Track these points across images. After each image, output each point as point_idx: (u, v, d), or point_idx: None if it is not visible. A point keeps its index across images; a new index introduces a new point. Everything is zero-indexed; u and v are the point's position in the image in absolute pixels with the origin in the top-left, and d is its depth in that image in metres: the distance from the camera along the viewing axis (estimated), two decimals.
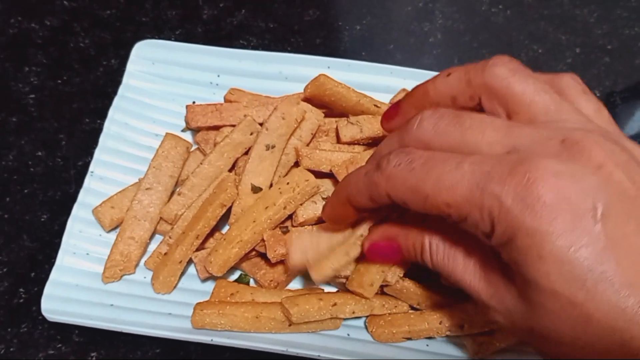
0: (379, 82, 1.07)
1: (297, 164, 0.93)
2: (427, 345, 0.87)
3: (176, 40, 1.16)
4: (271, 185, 0.91)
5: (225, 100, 1.04)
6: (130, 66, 1.08)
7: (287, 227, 0.88)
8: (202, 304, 0.84)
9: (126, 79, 1.07)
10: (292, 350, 0.82)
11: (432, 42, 1.26)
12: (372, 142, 0.95)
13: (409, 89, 1.04)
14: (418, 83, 1.04)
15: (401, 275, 0.85)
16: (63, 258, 0.90)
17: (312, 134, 0.96)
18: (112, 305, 0.87)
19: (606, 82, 1.23)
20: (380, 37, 1.27)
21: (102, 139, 1.00)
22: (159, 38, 1.13)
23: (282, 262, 0.88)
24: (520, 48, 1.26)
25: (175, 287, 0.90)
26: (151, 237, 0.93)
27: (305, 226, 0.89)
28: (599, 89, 1.21)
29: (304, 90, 0.98)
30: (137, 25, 1.25)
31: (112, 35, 1.24)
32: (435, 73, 1.05)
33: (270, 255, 0.85)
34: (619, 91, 1.22)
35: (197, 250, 0.89)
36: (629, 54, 1.27)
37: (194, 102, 1.03)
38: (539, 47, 1.27)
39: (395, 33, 1.27)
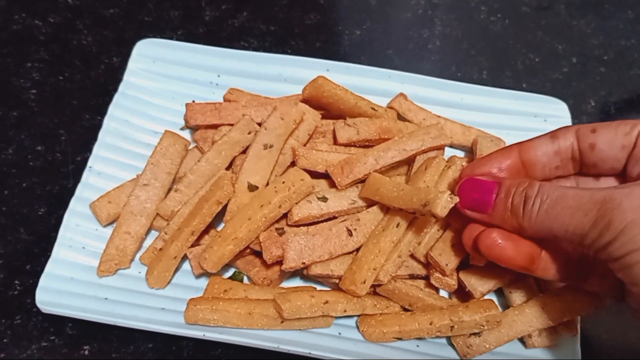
0: (377, 85, 1.09)
1: (293, 164, 0.94)
2: (418, 345, 0.88)
3: (177, 40, 1.18)
4: (267, 184, 0.92)
5: (225, 100, 1.05)
6: (132, 64, 1.09)
7: (282, 228, 0.89)
8: (196, 300, 0.85)
9: (127, 77, 1.08)
10: (284, 347, 0.83)
11: (431, 48, 1.28)
12: (368, 144, 0.97)
13: (407, 93, 1.06)
14: (415, 87, 1.07)
15: (393, 274, 0.86)
16: (59, 251, 0.91)
17: (309, 134, 0.97)
18: (106, 298, 0.88)
19: (601, 92, 1.24)
20: (379, 42, 1.28)
21: (102, 135, 1.01)
22: (161, 37, 1.14)
23: (277, 262, 0.89)
24: (517, 56, 1.28)
25: (169, 282, 0.91)
26: (147, 233, 0.94)
27: (300, 226, 0.89)
28: (594, 98, 1.23)
29: (302, 91, 0.99)
30: (139, 24, 1.26)
31: (114, 33, 1.25)
32: (433, 79, 1.08)
33: (266, 257, 0.86)
34: (613, 101, 1.23)
35: (192, 246, 0.90)
36: (624, 64, 1.28)
37: (193, 101, 1.04)
38: (535, 56, 1.28)
39: (394, 38, 1.29)
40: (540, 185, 0.71)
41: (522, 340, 0.90)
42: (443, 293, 0.93)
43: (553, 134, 0.79)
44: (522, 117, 1.09)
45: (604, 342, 0.97)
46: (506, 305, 0.92)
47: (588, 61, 1.28)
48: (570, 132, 0.78)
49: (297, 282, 0.94)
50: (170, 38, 1.23)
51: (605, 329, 0.98)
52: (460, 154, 1.08)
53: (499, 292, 0.93)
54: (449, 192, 0.78)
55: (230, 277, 0.93)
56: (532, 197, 0.70)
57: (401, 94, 1.07)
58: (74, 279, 0.90)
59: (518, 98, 1.09)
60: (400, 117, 1.05)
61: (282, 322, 0.85)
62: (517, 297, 0.90)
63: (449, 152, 1.05)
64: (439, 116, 1.06)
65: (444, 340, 0.90)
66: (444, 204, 0.76)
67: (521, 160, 0.80)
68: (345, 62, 1.09)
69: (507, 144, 1.03)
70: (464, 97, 1.09)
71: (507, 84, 1.23)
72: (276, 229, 0.88)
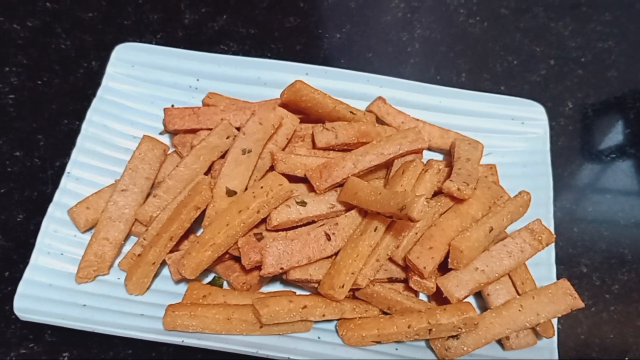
0: (356, 89, 1.09)
1: (272, 168, 0.94)
2: (396, 349, 0.89)
3: (157, 43, 1.17)
4: (246, 189, 0.92)
5: (204, 104, 1.05)
6: (110, 68, 1.08)
7: (261, 233, 0.89)
8: (174, 306, 0.85)
9: (105, 81, 1.07)
10: (263, 352, 0.83)
11: (410, 51, 1.28)
12: (346, 148, 0.97)
13: (386, 96, 1.07)
14: (394, 91, 1.08)
15: (371, 278, 0.86)
16: (37, 258, 0.91)
17: (287, 138, 0.97)
18: (85, 305, 0.88)
19: (578, 94, 1.25)
20: (359, 45, 1.28)
21: (80, 140, 1.01)
22: (140, 41, 1.14)
23: (256, 267, 0.89)
24: (496, 59, 1.28)
25: (148, 288, 0.91)
26: (126, 239, 0.94)
27: (279, 231, 0.90)
28: (571, 100, 1.24)
29: (281, 95, 0.99)
30: (118, 28, 1.26)
31: (93, 37, 1.24)
32: (411, 82, 1.08)
33: (245, 262, 0.86)
34: (591, 103, 1.24)
35: (171, 252, 0.90)
36: (601, 66, 1.29)
37: (172, 106, 1.04)
38: (513, 58, 1.29)
39: (374, 42, 1.29)
40: None
41: (500, 342, 0.91)
42: (422, 296, 0.94)
43: None
44: (500, 120, 1.10)
45: (581, 342, 0.98)
46: (484, 307, 0.92)
47: (566, 63, 1.29)
48: None
49: (277, 287, 0.94)
50: (150, 42, 1.23)
51: (582, 330, 0.99)
52: (439, 157, 1.08)
53: (477, 295, 0.94)
54: (426, 196, 0.78)
55: (210, 283, 0.93)
56: None
57: (380, 98, 1.07)
58: (53, 285, 0.89)
59: (496, 101, 1.10)
60: (379, 121, 1.06)
61: (260, 327, 0.85)
62: (494, 299, 0.90)
63: (427, 155, 1.06)
64: (417, 119, 1.07)
65: (422, 343, 0.90)
66: (420, 207, 0.77)
67: None
68: (325, 65, 1.09)
69: (485, 147, 1.04)
70: (442, 100, 1.09)
71: (485, 86, 1.24)
72: (255, 234, 0.88)
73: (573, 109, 1.23)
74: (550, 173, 1.04)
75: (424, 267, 0.85)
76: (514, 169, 1.06)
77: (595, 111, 1.23)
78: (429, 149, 1.07)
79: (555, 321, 0.91)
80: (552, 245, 0.95)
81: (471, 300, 0.94)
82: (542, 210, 1.00)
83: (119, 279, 0.92)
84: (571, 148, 1.18)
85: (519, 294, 0.91)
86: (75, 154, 1.00)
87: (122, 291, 0.90)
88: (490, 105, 1.10)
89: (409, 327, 0.85)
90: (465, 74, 1.26)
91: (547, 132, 1.08)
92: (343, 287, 0.83)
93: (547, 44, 1.31)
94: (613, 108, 1.25)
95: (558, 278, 0.94)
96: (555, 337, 0.90)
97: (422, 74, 1.24)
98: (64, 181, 0.97)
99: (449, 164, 0.99)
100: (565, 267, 1.04)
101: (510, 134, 1.09)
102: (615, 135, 1.21)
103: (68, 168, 0.98)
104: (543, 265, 0.96)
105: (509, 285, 0.92)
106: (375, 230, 0.85)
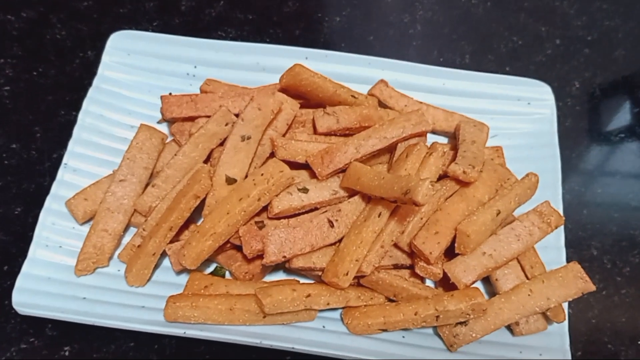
0: (357, 73, 1.07)
1: (272, 155, 0.92)
2: (403, 337, 0.87)
3: (154, 31, 1.15)
4: (246, 177, 0.90)
5: (201, 91, 1.03)
6: (106, 57, 1.06)
7: (262, 221, 0.87)
8: (175, 297, 0.83)
9: (101, 70, 1.05)
10: (266, 343, 0.82)
11: (412, 33, 1.26)
12: (348, 133, 0.95)
13: (388, 80, 1.05)
14: (397, 74, 1.06)
15: (376, 265, 0.84)
16: (35, 251, 0.89)
17: (287, 124, 0.95)
18: (84, 298, 0.87)
19: (586, 73, 1.22)
20: (359, 28, 1.26)
21: (76, 131, 0.99)
22: (137, 29, 1.12)
23: (258, 256, 0.87)
24: (500, 40, 1.26)
25: (149, 280, 0.89)
26: (125, 230, 0.92)
27: (281, 219, 0.88)
28: (578, 80, 1.21)
29: (280, 80, 0.97)
30: (114, 16, 1.24)
31: (89, 27, 1.22)
32: (414, 64, 1.06)
33: (246, 251, 0.85)
34: (598, 83, 1.21)
35: (172, 242, 0.88)
36: (608, 45, 1.26)
37: (170, 94, 1.02)
38: (518, 38, 1.26)
39: (374, 24, 1.26)
40: None
41: (509, 328, 0.89)
42: (429, 282, 0.92)
43: None
44: (505, 101, 1.07)
45: (592, 326, 0.96)
46: (492, 292, 0.90)
47: (572, 43, 1.26)
48: None
49: (280, 276, 0.93)
50: (146, 29, 1.21)
51: (593, 314, 0.97)
52: (443, 140, 1.06)
53: (485, 280, 0.92)
54: (430, 180, 0.76)
55: (211, 273, 0.91)
56: None
57: (382, 81, 1.05)
58: (52, 278, 0.88)
59: (501, 82, 1.08)
60: (382, 105, 1.04)
61: (264, 317, 0.83)
62: (503, 284, 0.88)
63: (432, 138, 1.04)
64: (421, 102, 1.05)
65: (430, 331, 0.89)
66: (425, 191, 0.75)
67: None
68: (325, 49, 1.07)
69: (490, 129, 1.02)
70: (446, 82, 1.07)
71: (490, 68, 1.21)
72: (256, 222, 0.86)
73: (580, 89, 1.20)
74: (558, 155, 1.02)
75: (430, 253, 0.84)
76: (520, 151, 1.04)
77: (602, 91, 1.21)
78: (433, 132, 1.05)
79: (565, 305, 0.89)
80: (561, 228, 0.94)
81: (479, 285, 0.92)
82: (550, 193, 0.98)
83: (118, 270, 0.91)
84: (578, 129, 1.16)
85: (528, 278, 0.89)
86: (72, 145, 0.98)
87: (122, 283, 0.89)
88: (495, 86, 1.08)
89: (415, 314, 0.83)
90: (469, 55, 1.23)
91: (554, 112, 1.06)
92: (347, 274, 0.82)
93: (552, 23, 1.29)
94: (621, 87, 1.22)
95: (568, 261, 0.92)
96: (566, 322, 0.88)
97: (425, 57, 1.22)
98: (61, 173, 0.96)
99: (454, 147, 0.97)
100: (575, 250, 1.01)
101: (517, 115, 1.07)
102: (624, 115, 1.19)
103: (65, 159, 0.97)
104: (552, 249, 0.94)
105: (518, 270, 0.90)
106: (379, 215, 0.84)
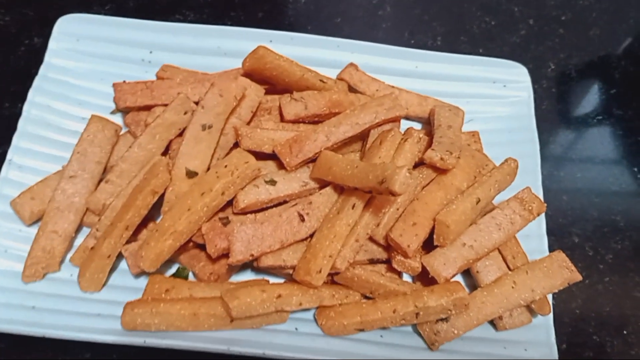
0: (326, 56, 1.02)
1: (237, 145, 0.87)
2: (381, 336, 0.83)
3: (106, 15, 1.08)
4: (208, 169, 0.84)
5: (158, 78, 0.97)
6: (53, 43, 0.99)
7: (227, 217, 0.82)
8: (133, 303, 0.77)
9: (48, 58, 0.99)
10: (235, 349, 0.77)
11: (382, 15, 1.21)
12: (317, 120, 0.90)
13: (358, 63, 0.99)
14: (367, 57, 1.01)
15: (351, 260, 0.79)
16: None
17: (252, 111, 0.90)
18: (34, 307, 0.80)
19: (561, 54, 1.19)
20: (326, 10, 1.21)
21: (21, 124, 0.92)
22: (88, 13, 1.05)
23: (224, 255, 0.82)
24: (473, 20, 1.22)
25: (104, 284, 0.83)
26: (77, 231, 0.86)
27: (247, 214, 0.82)
28: (553, 61, 1.18)
29: (242, 64, 0.92)
30: (63, 0, 1.16)
31: (36, 11, 1.14)
32: (385, 46, 1.01)
33: (210, 250, 0.80)
34: (574, 64, 1.18)
35: (128, 242, 0.82)
36: (583, 25, 1.24)
37: (124, 81, 0.95)
38: (491, 19, 1.23)
39: (342, 6, 1.22)
40: None
41: (492, 322, 0.85)
42: (406, 277, 0.88)
43: None
44: (480, 84, 1.04)
45: (576, 317, 0.93)
46: (473, 286, 0.87)
47: (546, 23, 1.23)
48: None
49: (248, 276, 0.88)
50: (98, 14, 1.13)
51: (577, 304, 0.94)
52: (417, 126, 1.02)
53: (465, 273, 0.88)
54: (407, 167, 0.71)
55: (173, 275, 0.85)
56: None
57: (352, 64, 1.00)
58: None
59: (475, 63, 1.04)
60: (352, 89, 0.99)
61: (231, 321, 0.78)
62: (484, 276, 0.85)
63: (405, 124, 1.00)
64: (393, 86, 1.01)
65: (409, 329, 0.85)
66: (402, 179, 0.71)
67: None
68: (291, 32, 1.02)
69: (466, 113, 0.97)
70: (418, 64, 1.04)
71: (463, 49, 1.17)
72: (220, 218, 0.81)
73: (555, 70, 1.17)
74: (537, 138, 0.99)
75: (408, 246, 0.80)
76: (498, 135, 1.01)
77: (578, 72, 1.18)
78: (407, 118, 1.01)
79: (550, 297, 0.85)
80: (543, 215, 0.90)
81: (459, 279, 0.88)
82: (530, 178, 0.95)
83: (71, 275, 0.84)
84: (555, 111, 1.13)
85: (510, 269, 0.86)
86: (16, 140, 0.92)
87: (76, 289, 0.83)
88: (470, 68, 1.04)
89: (394, 311, 0.79)
90: (440, 37, 1.19)
91: (531, 94, 1.04)
92: (320, 271, 0.77)
93: (526, 3, 1.25)
94: (597, 68, 1.19)
95: (550, 250, 0.88)
96: (551, 315, 0.85)
97: (396, 39, 1.17)
98: (5, 170, 0.89)
99: (429, 133, 0.93)
100: (556, 237, 0.98)
101: (492, 98, 1.04)
102: (601, 96, 1.16)
103: (9, 155, 0.91)
104: (534, 237, 0.91)
105: (500, 261, 0.86)
106: (353, 207, 0.80)
